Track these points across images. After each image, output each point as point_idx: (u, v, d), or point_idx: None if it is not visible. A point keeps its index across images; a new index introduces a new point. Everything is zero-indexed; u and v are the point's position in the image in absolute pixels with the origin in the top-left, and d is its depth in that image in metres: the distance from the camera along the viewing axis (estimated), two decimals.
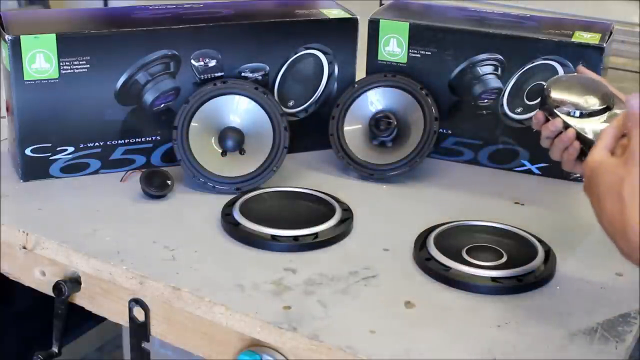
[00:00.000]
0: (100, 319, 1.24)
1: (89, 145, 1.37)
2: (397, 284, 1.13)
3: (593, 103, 1.13)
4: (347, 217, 1.27)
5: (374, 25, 1.46)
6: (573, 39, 1.37)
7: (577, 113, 1.13)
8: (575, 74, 1.25)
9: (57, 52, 1.31)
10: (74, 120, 1.35)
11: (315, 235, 1.22)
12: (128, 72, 1.35)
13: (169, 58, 1.37)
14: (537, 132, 1.18)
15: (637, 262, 0.93)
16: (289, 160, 1.40)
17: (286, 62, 1.44)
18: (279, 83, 1.45)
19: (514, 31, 1.41)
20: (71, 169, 1.38)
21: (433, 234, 1.20)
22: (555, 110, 1.14)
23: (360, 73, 1.48)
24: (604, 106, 1.13)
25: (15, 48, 1.29)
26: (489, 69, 1.41)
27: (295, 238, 1.21)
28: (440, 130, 1.44)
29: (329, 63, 1.46)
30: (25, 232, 1.22)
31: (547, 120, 1.15)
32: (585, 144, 1.11)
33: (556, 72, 1.37)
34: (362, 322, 1.05)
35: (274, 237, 1.21)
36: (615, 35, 1.45)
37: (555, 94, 1.15)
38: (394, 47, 1.45)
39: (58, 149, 1.36)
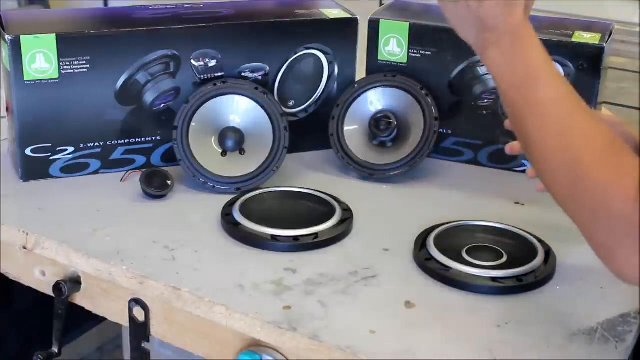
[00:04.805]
0: (100, 319, 1.24)
1: (89, 145, 1.37)
2: (397, 284, 1.13)
3: None
4: (347, 217, 1.27)
5: (374, 25, 1.46)
6: (573, 39, 1.37)
7: None
8: None
9: (57, 52, 1.31)
10: (74, 120, 1.35)
11: (315, 235, 1.22)
12: (128, 72, 1.35)
13: (169, 58, 1.37)
14: None
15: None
16: (289, 160, 1.40)
17: (286, 62, 1.44)
18: (279, 83, 1.45)
19: None
20: (71, 169, 1.38)
21: (433, 234, 1.20)
22: None
23: (360, 73, 1.48)
24: None
25: (15, 48, 1.29)
26: None
27: (295, 238, 1.21)
28: (440, 130, 1.44)
29: (329, 63, 1.46)
30: (25, 232, 1.22)
31: None
32: None
33: None
34: (362, 322, 1.05)
35: (274, 237, 1.21)
36: (615, 35, 1.44)
37: None
38: (394, 47, 1.45)
39: (58, 149, 1.36)
